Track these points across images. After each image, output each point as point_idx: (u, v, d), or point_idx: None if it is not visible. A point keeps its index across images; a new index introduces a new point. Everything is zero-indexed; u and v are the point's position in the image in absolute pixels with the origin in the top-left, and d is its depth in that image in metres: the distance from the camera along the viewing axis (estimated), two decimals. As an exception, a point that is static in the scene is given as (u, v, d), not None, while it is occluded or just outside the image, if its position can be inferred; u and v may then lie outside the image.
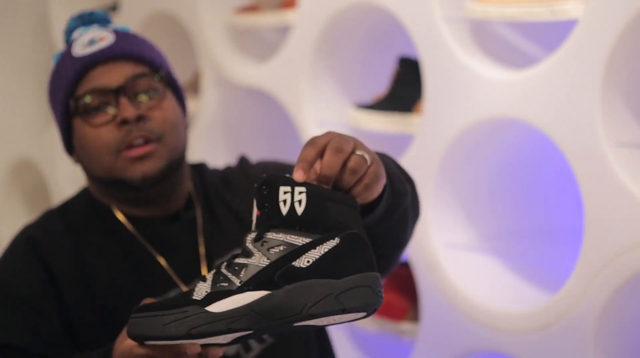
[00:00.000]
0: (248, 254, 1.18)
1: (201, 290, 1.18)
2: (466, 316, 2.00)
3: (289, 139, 2.75)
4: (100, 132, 1.55)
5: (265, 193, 1.18)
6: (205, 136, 2.77)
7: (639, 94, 1.77)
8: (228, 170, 1.75)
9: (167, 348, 1.21)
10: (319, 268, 1.15)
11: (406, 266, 2.25)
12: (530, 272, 2.07)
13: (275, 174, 1.18)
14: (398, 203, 1.34)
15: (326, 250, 1.15)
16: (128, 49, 1.58)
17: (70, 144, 1.61)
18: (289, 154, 2.37)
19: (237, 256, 1.19)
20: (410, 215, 1.44)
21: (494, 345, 1.97)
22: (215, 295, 1.16)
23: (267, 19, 2.53)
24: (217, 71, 2.68)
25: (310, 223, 1.16)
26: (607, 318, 1.78)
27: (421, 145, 2.08)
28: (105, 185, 1.60)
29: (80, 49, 1.57)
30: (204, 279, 1.19)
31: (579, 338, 1.80)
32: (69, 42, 1.61)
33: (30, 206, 3.69)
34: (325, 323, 1.17)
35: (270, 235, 1.17)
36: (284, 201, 1.17)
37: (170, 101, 1.60)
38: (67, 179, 3.31)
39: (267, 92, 2.54)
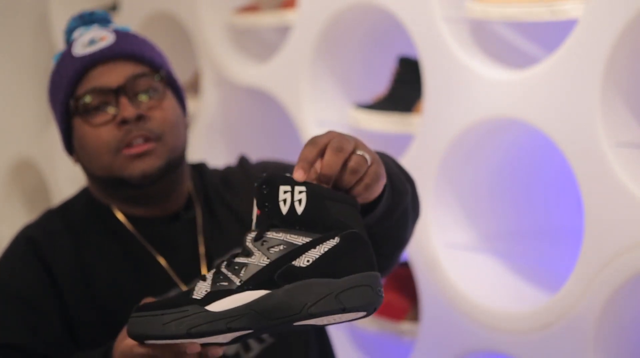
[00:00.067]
0: (248, 253, 1.18)
1: (201, 289, 1.18)
2: (466, 316, 2.00)
3: (289, 139, 2.75)
4: (100, 132, 1.55)
5: (265, 192, 1.18)
6: (205, 136, 2.77)
7: (639, 94, 1.77)
8: (228, 170, 1.75)
9: (167, 348, 1.21)
10: (318, 267, 1.15)
11: (406, 266, 2.25)
12: (530, 272, 2.07)
13: (276, 174, 1.18)
14: (398, 202, 1.34)
15: (326, 249, 1.15)
16: (128, 49, 1.58)
17: (70, 144, 1.62)
18: (289, 154, 2.38)
19: (237, 255, 1.19)
20: (410, 215, 1.44)
21: (494, 345, 1.97)
22: (215, 294, 1.16)
23: (267, 19, 2.53)
24: (217, 71, 2.68)
25: (310, 223, 1.16)
26: (607, 318, 1.78)
27: (421, 145, 2.08)
28: (105, 184, 1.60)
29: (80, 49, 1.57)
30: (204, 278, 1.19)
31: (579, 338, 1.80)
32: (69, 42, 1.62)
33: (30, 206, 3.69)
34: (325, 322, 1.17)
35: (270, 234, 1.17)
36: (284, 201, 1.17)
37: (170, 101, 1.60)
38: (67, 179, 3.31)
39: (267, 92, 2.54)
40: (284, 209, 1.17)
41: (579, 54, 1.75)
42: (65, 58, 1.59)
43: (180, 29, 2.87)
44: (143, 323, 1.17)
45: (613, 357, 1.81)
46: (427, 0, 2.02)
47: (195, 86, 2.88)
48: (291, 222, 1.17)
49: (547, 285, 2.00)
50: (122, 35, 1.60)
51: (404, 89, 2.23)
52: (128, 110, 1.54)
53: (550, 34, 2.01)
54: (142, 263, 1.60)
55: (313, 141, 1.19)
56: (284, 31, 2.58)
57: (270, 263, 1.16)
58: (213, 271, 1.19)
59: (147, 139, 1.55)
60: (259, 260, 1.17)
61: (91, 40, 1.57)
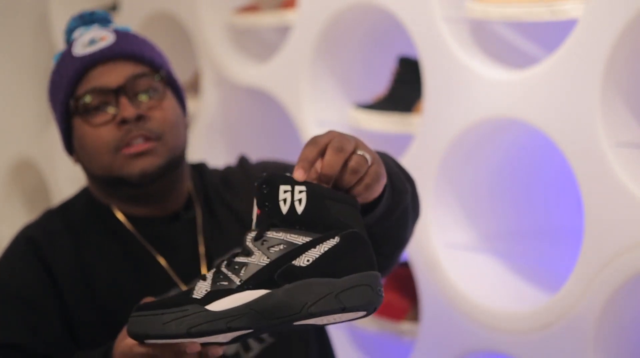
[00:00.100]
0: (248, 253, 1.18)
1: (201, 288, 1.18)
2: (466, 316, 2.00)
3: (289, 139, 2.75)
4: (100, 132, 1.55)
5: (265, 191, 1.18)
6: (205, 136, 2.77)
7: (639, 94, 1.77)
8: (228, 170, 1.75)
9: (167, 347, 1.21)
10: (319, 267, 1.15)
11: (406, 266, 2.25)
12: (530, 272, 2.07)
13: (276, 173, 1.18)
14: (398, 202, 1.35)
15: (326, 248, 1.15)
16: (128, 49, 1.58)
17: (70, 144, 1.62)
18: (289, 154, 2.38)
19: (237, 255, 1.19)
20: (410, 214, 1.44)
21: (494, 345, 1.97)
22: (215, 294, 1.16)
23: (267, 19, 2.53)
24: (217, 71, 2.68)
25: (310, 222, 1.16)
26: (607, 318, 1.78)
27: (421, 145, 2.08)
28: (104, 184, 1.60)
29: (80, 49, 1.57)
30: (204, 278, 1.19)
31: (579, 338, 1.80)
32: (69, 42, 1.62)
33: (30, 206, 3.69)
34: (325, 322, 1.17)
35: (271, 234, 1.17)
36: (284, 200, 1.17)
37: (170, 101, 1.60)
38: (67, 179, 3.31)
39: (267, 92, 2.54)
40: (284, 208, 1.17)
41: (579, 54, 1.75)
42: (66, 58, 1.59)
43: (180, 29, 2.87)
44: (143, 322, 1.17)
45: (613, 357, 1.81)
46: (427, 0, 2.02)
47: (195, 86, 2.88)
48: (291, 222, 1.17)
49: (547, 285, 2.00)
50: (122, 35, 1.60)
51: (404, 89, 2.23)
52: (128, 110, 1.54)
53: (550, 34, 2.01)
54: (142, 263, 1.60)
55: (314, 140, 1.19)
56: (284, 31, 2.58)
57: (270, 262, 1.16)
58: (213, 270, 1.19)
59: (147, 139, 1.55)
60: (259, 259, 1.17)
61: (91, 40, 1.58)
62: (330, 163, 1.17)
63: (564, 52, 1.78)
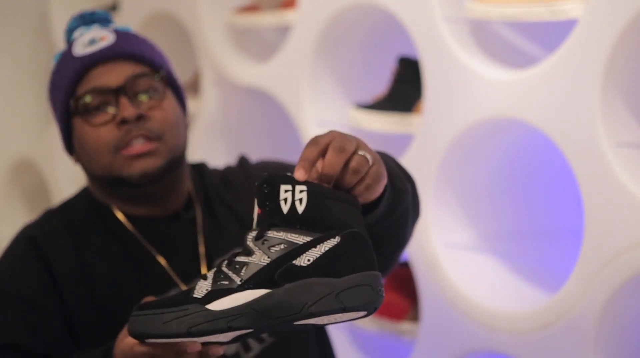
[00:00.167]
0: (249, 252, 1.18)
1: (202, 288, 1.18)
2: (466, 316, 2.00)
3: (289, 139, 2.75)
4: (100, 132, 1.55)
5: (266, 191, 1.18)
6: (205, 136, 2.77)
7: (639, 94, 1.77)
8: (228, 170, 1.75)
9: (168, 346, 1.21)
10: (319, 266, 1.15)
11: (406, 266, 2.25)
12: (530, 272, 2.07)
13: (277, 173, 1.18)
14: (399, 202, 1.35)
15: (327, 248, 1.15)
16: (128, 49, 1.58)
17: (70, 144, 1.62)
18: (289, 154, 2.38)
19: (237, 254, 1.19)
20: (410, 214, 1.44)
21: (494, 345, 1.97)
22: (216, 293, 1.16)
23: (267, 19, 2.53)
24: (217, 71, 2.68)
25: (311, 222, 1.16)
26: (607, 318, 1.78)
27: (421, 145, 2.08)
28: (104, 184, 1.60)
29: (80, 49, 1.57)
30: (204, 277, 1.19)
31: (579, 338, 1.80)
32: (69, 42, 1.62)
33: (30, 206, 3.69)
34: (325, 322, 1.17)
35: (271, 234, 1.17)
36: (285, 200, 1.17)
37: (170, 101, 1.60)
38: (67, 179, 3.31)
39: (267, 92, 2.54)
40: (285, 208, 1.17)
41: (579, 54, 1.75)
42: (66, 58, 1.59)
43: (180, 29, 2.87)
44: (144, 321, 1.18)
45: (613, 357, 1.81)
46: (427, 0, 2.02)
47: (195, 86, 2.88)
48: (292, 221, 1.17)
49: (547, 285, 2.00)
50: (123, 35, 1.60)
51: (404, 89, 2.23)
52: (128, 110, 1.54)
53: (550, 34, 2.01)
54: (142, 262, 1.60)
55: (315, 140, 1.19)
56: (284, 31, 2.58)
57: (270, 262, 1.16)
58: (214, 270, 1.19)
59: (147, 139, 1.55)
60: (259, 259, 1.17)
61: (91, 40, 1.58)
62: (331, 163, 1.17)
63: (564, 52, 1.78)
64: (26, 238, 1.60)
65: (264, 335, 1.62)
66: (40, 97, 3.43)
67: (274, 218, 1.17)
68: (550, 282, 1.98)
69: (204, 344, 1.21)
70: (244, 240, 1.19)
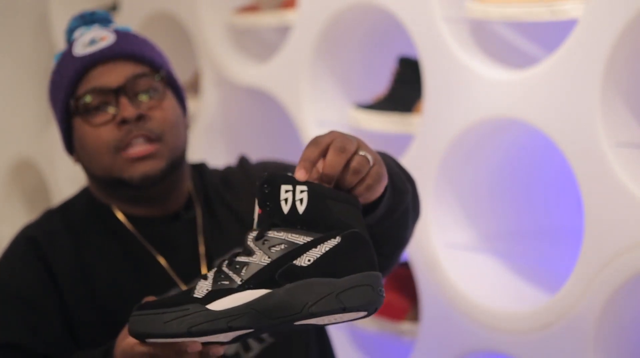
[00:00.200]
0: (249, 252, 1.18)
1: (202, 288, 1.18)
2: (466, 316, 2.00)
3: (289, 139, 2.75)
4: (100, 132, 1.55)
5: (266, 191, 1.18)
6: (205, 136, 2.77)
7: (639, 94, 1.77)
8: (228, 170, 1.75)
9: (168, 346, 1.21)
10: (319, 266, 1.15)
11: (406, 266, 2.25)
12: (530, 272, 2.08)
13: (277, 173, 1.18)
14: (399, 202, 1.35)
15: (327, 248, 1.15)
16: (128, 49, 1.58)
17: (71, 144, 1.62)
18: (289, 154, 2.38)
19: (238, 254, 1.19)
20: (410, 214, 1.44)
21: (494, 345, 1.97)
22: (216, 293, 1.16)
23: (267, 19, 2.53)
24: (217, 71, 2.68)
25: (311, 222, 1.16)
26: (607, 318, 1.78)
27: (421, 145, 2.08)
28: (105, 184, 1.60)
29: (80, 49, 1.57)
30: (205, 277, 1.19)
31: (579, 338, 1.80)
32: (70, 42, 1.62)
33: (30, 206, 3.69)
34: (325, 322, 1.17)
35: (272, 234, 1.17)
36: (286, 200, 1.17)
37: (170, 101, 1.60)
38: (67, 179, 3.31)
39: (267, 92, 2.54)
40: (286, 208, 1.17)
41: (579, 54, 1.75)
42: (66, 58, 1.59)
43: (180, 29, 2.87)
44: (144, 321, 1.18)
45: (613, 357, 1.81)
46: (427, 0, 2.02)
47: (195, 86, 2.88)
48: (292, 221, 1.17)
49: (547, 285, 2.00)
50: (123, 35, 1.60)
51: (404, 89, 2.23)
52: (128, 110, 1.54)
53: (550, 34, 2.01)
54: (142, 263, 1.60)
55: (315, 140, 1.19)
56: (284, 31, 2.58)
57: (271, 262, 1.16)
58: (214, 270, 1.19)
59: (147, 140, 1.55)
60: (260, 259, 1.17)
61: (92, 40, 1.58)
62: (332, 163, 1.17)
63: (564, 52, 1.78)
64: (26, 238, 1.60)
65: (264, 335, 1.62)
66: (40, 97, 3.43)
67: (275, 218, 1.17)
68: (550, 282, 1.98)
69: (204, 344, 1.21)
70: (244, 240, 1.19)
